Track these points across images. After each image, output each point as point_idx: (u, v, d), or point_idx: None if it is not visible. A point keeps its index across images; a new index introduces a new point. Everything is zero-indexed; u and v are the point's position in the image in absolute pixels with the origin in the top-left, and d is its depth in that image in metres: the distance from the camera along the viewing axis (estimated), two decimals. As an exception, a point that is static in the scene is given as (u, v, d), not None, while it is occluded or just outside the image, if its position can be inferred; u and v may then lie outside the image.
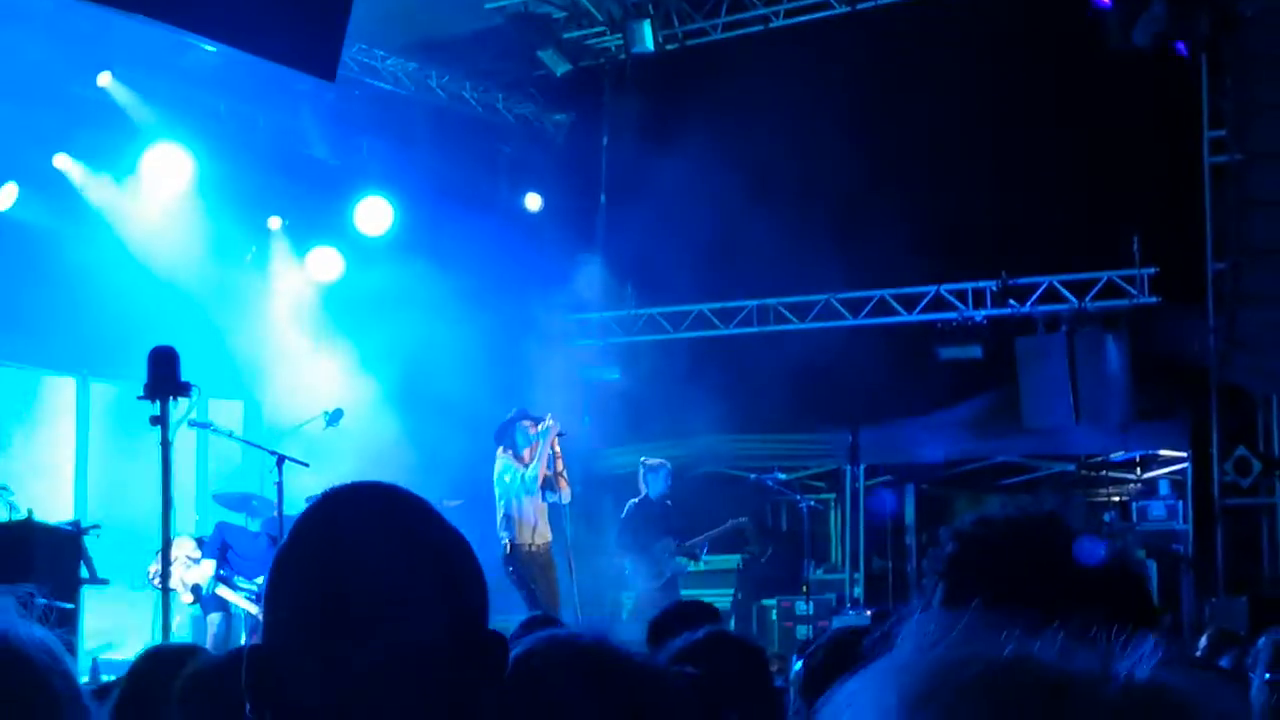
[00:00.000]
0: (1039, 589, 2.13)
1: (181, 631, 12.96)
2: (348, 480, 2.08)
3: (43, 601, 1.85)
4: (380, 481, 2.05)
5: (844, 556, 19.32)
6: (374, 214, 18.42)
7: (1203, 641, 6.65)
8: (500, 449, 14.39)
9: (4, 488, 14.15)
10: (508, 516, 14.19)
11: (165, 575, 9.40)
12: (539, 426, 14.39)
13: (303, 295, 17.89)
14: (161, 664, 4.08)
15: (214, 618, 13.48)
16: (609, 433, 18.78)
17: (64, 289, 15.00)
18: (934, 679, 1.15)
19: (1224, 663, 4.78)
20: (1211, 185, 16.96)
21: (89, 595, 13.03)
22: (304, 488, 13.63)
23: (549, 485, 14.33)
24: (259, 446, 13.23)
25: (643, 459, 16.01)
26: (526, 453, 14.34)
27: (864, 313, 18.88)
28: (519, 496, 14.22)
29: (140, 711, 3.96)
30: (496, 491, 14.30)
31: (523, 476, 14.21)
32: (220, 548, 13.69)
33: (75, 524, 11.84)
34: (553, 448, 14.42)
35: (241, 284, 17.29)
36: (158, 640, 10.55)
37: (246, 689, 1.93)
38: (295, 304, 17.77)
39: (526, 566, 14.08)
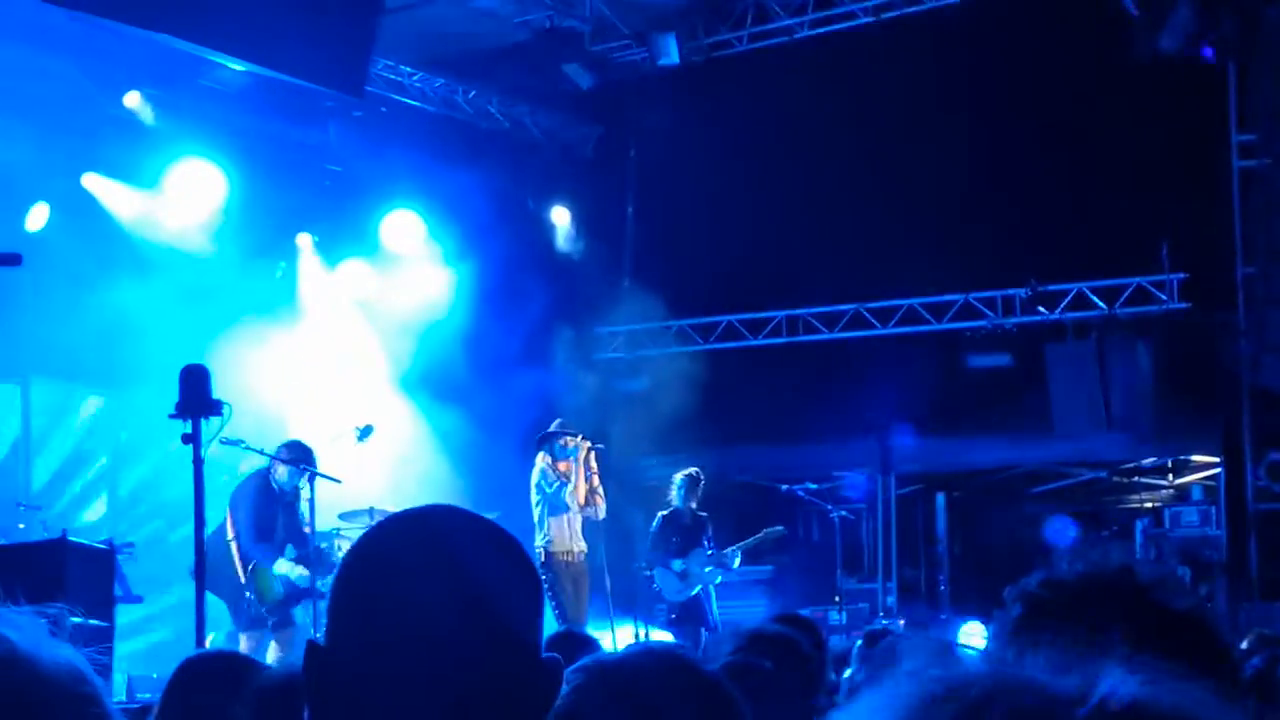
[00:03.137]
0: (1119, 649, 2.08)
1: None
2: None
3: (76, 620, 1.86)
4: (454, 507, 2.07)
5: (876, 566, 19.28)
6: (403, 229, 18.48)
7: (1243, 646, 6.64)
8: (540, 454, 14.47)
9: (35, 507, 14.21)
10: (545, 524, 14.25)
11: (200, 591, 9.42)
12: (572, 443, 14.43)
13: (332, 310, 17.94)
14: (201, 672, 4.10)
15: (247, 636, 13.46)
16: (638, 444, 18.78)
17: (94, 307, 15.06)
18: (914, 713, 1.12)
19: (1255, 662, 4.77)
20: (1240, 190, 16.91)
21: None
22: (336, 503, 13.70)
23: (585, 501, 14.39)
24: (291, 463, 13.24)
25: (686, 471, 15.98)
26: (563, 465, 14.40)
27: (893, 321, 18.85)
28: (558, 506, 14.27)
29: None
30: (534, 498, 14.38)
31: (563, 491, 14.25)
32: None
33: (109, 542, 11.87)
34: (589, 464, 14.46)
35: (272, 299, 17.33)
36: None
37: (304, 677, 1.98)
38: (325, 319, 17.81)
39: (559, 577, 14.10)
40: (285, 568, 13.11)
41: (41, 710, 1.73)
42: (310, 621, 13.44)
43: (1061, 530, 18.58)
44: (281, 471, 13.11)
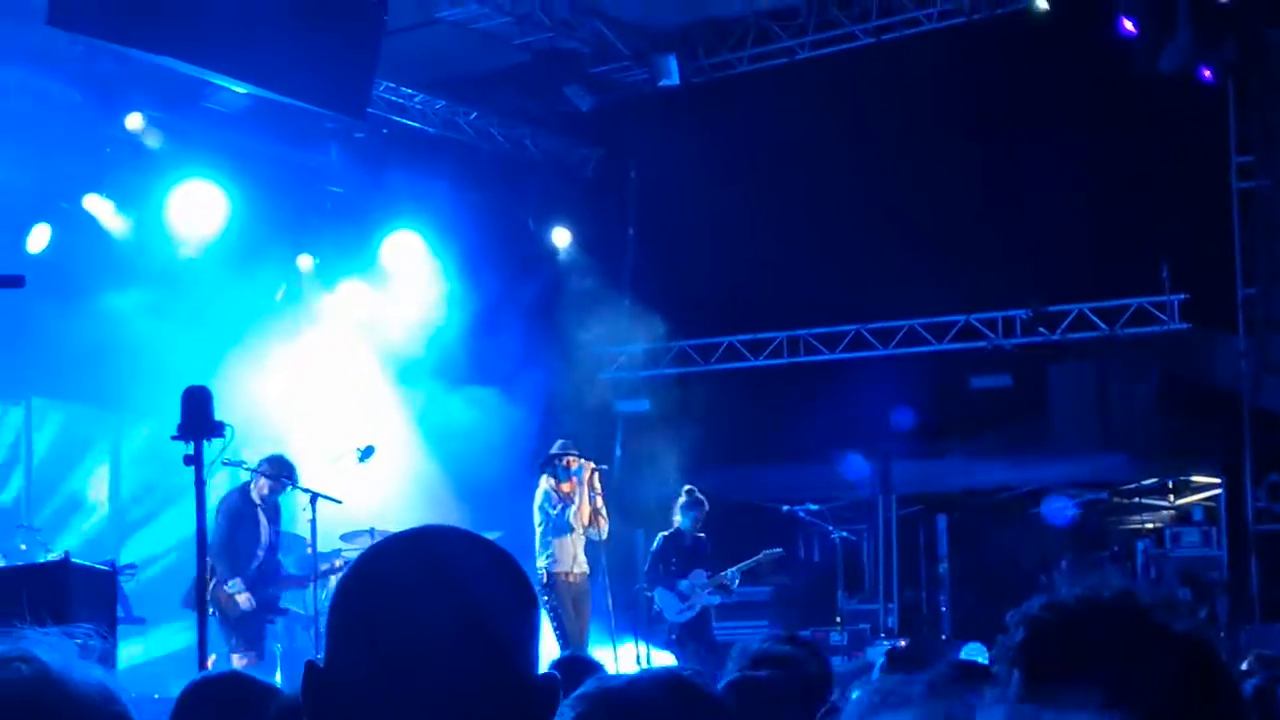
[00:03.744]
0: (1122, 671, 2.10)
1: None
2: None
3: (99, 643, 1.87)
4: (450, 527, 2.07)
5: (877, 587, 19.27)
6: (404, 250, 18.50)
7: (1243, 668, 6.67)
8: (544, 476, 14.46)
9: (36, 528, 14.21)
10: (548, 544, 14.25)
11: (201, 613, 9.42)
12: (575, 464, 14.43)
13: (333, 330, 17.94)
14: (206, 695, 4.11)
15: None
16: (639, 465, 18.78)
17: (96, 328, 15.08)
18: None
19: (1255, 681, 4.79)
20: (1240, 210, 16.95)
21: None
22: (338, 524, 13.70)
23: (589, 521, 14.39)
24: (293, 484, 13.26)
25: (687, 488, 15.97)
26: (566, 486, 14.40)
27: (894, 343, 18.86)
28: (561, 528, 14.27)
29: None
30: (537, 518, 14.37)
31: (567, 513, 14.25)
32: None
33: (110, 563, 11.88)
34: (594, 485, 14.45)
35: (272, 321, 17.34)
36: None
37: (303, 698, 1.98)
38: (326, 339, 17.82)
39: (562, 598, 14.10)
40: (234, 588, 13.08)
41: None
42: (282, 651, 13.49)
43: (1060, 510, 18.54)
44: (263, 485, 13.15)
